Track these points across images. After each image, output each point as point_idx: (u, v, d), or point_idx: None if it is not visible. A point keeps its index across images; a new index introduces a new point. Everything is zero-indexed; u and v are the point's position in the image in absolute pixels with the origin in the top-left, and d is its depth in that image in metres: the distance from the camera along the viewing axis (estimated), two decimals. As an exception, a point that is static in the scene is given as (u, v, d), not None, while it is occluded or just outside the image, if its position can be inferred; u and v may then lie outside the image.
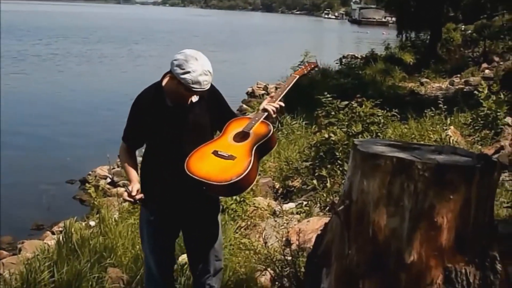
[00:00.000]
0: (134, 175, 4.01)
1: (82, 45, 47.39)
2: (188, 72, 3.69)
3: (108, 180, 11.61)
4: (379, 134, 7.72)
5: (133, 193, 3.80)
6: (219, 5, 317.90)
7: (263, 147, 3.87)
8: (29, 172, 13.06)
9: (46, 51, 40.45)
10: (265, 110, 4.01)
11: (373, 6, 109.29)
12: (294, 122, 11.89)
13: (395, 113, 8.20)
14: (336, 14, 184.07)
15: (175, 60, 3.77)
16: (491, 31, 29.73)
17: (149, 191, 3.99)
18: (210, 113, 4.06)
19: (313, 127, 10.69)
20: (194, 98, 3.98)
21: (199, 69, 3.71)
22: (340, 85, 15.73)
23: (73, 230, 6.17)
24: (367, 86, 15.71)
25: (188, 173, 3.68)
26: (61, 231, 7.33)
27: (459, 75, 21.98)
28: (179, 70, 3.71)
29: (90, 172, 12.13)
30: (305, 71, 4.48)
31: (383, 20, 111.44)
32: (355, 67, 22.41)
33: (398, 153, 3.20)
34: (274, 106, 4.02)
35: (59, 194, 11.56)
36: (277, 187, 8.32)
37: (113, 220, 6.61)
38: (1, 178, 12.09)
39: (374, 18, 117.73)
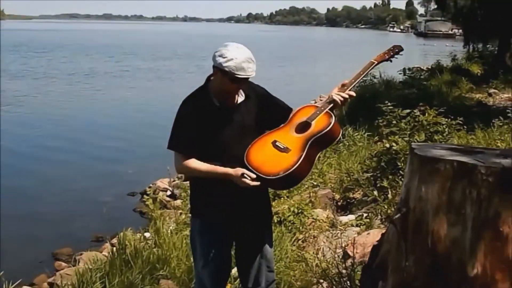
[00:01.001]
0: (223, 168, 3.76)
1: (151, 61, 48.67)
2: (231, 59, 3.59)
3: (168, 192, 11.59)
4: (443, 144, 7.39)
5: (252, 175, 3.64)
6: (284, 20, 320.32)
7: (321, 140, 3.73)
8: (90, 185, 13.20)
9: (117, 68, 41.97)
10: (332, 100, 3.82)
11: (439, 19, 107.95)
12: (356, 133, 11.65)
13: (460, 122, 7.86)
14: (402, 27, 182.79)
15: (216, 51, 3.70)
16: None
17: (202, 199, 3.91)
18: (259, 112, 3.93)
19: (375, 137, 10.44)
20: (240, 97, 3.87)
21: (242, 55, 3.62)
22: (404, 95, 15.35)
23: (127, 241, 6.10)
24: (432, 97, 15.25)
25: (245, 160, 3.66)
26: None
27: (529, 86, 21.31)
28: (221, 59, 3.62)
29: (151, 185, 12.14)
30: (387, 57, 4.09)
31: (450, 32, 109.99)
32: (420, 78, 22.01)
33: (459, 157, 2.96)
34: (342, 96, 3.84)
35: (120, 206, 11.62)
36: (337, 198, 8.09)
37: (168, 231, 6.51)
38: (63, 191, 12.29)
39: (441, 31, 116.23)
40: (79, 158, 15.52)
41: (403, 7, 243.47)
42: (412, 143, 3.36)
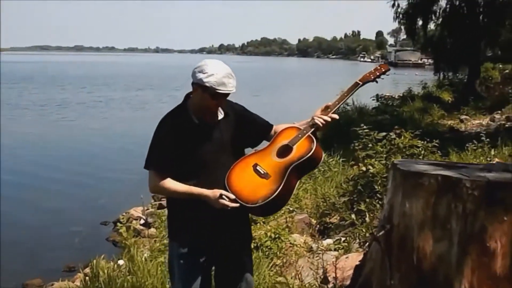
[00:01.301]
0: (199, 189, 3.66)
1: (124, 92, 48.92)
2: (212, 75, 3.54)
3: (142, 221, 11.40)
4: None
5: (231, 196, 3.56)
6: (255, 51, 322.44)
7: (302, 166, 3.65)
8: (62, 213, 12.99)
9: (90, 99, 42.03)
10: (314, 124, 3.75)
11: (408, 49, 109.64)
12: (331, 159, 11.59)
13: (435, 144, 7.85)
14: (372, 57, 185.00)
15: (196, 68, 3.64)
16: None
17: (180, 221, 3.81)
18: (238, 130, 3.84)
19: (350, 162, 10.40)
20: (220, 115, 3.78)
21: (222, 71, 3.57)
22: (377, 121, 15.39)
23: (100, 269, 5.93)
24: (405, 123, 15.27)
25: (226, 183, 3.60)
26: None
27: (499, 112, 21.68)
28: (201, 75, 3.56)
29: (124, 213, 11.95)
30: (372, 77, 4.02)
31: (419, 62, 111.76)
32: (392, 104, 22.27)
33: (443, 171, 2.91)
34: (324, 120, 3.76)
35: (92, 235, 11.45)
36: (313, 223, 8.00)
37: (142, 259, 6.35)
38: (35, 219, 12.07)
39: (410, 60, 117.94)
40: (51, 187, 15.32)
41: (373, 38, 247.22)
42: (394, 160, 3.29)
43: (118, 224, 8.18)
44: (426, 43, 32.21)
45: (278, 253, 6.55)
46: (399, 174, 2.99)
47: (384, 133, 8.05)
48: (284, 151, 3.70)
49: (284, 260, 6.47)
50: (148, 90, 50.59)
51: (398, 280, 2.94)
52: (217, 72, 3.54)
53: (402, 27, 31.56)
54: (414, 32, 29.85)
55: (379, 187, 7.17)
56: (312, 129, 3.74)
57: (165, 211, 9.67)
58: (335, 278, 5.61)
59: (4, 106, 35.27)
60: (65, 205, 13.69)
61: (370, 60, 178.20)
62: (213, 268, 3.99)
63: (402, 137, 7.77)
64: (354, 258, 5.86)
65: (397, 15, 29.21)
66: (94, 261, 6.13)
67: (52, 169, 17.58)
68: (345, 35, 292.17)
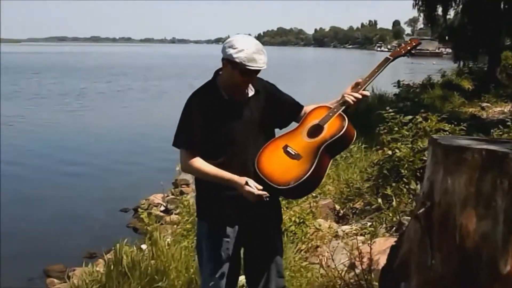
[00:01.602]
0: (229, 174, 3.56)
1: (142, 82, 48.68)
2: (242, 50, 3.42)
3: (162, 208, 11.33)
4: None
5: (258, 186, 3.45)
6: (271, 41, 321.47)
7: (334, 145, 3.54)
8: (82, 201, 12.94)
9: (108, 89, 42.03)
10: (344, 101, 3.63)
11: (426, 38, 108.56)
12: (353, 145, 11.44)
13: (463, 128, 7.68)
14: (389, 46, 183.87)
15: (226, 43, 3.53)
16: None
17: (210, 201, 3.72)
18: (268, 109, 3.72)
19: (373, 148, 10.26)
20: (250, 92, 3.66)
21: (253, 46, 3.45)
22: (399, 108, 15.19)
23: (123, 253, 5.85)
24: (426, 110, 15.11)
25: (256, 166, 3.49)
26: (112, 257, 7.02)
27: (522, 99, 21.43)
28: (232, 50, 3.44)
29: (144, 200, 11.88)
30: (403, 52, 3.89)
31: (437, 51, 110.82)
32: (412, 91, 22.08)
33: (487, 146, 2.77)
34: (355, 97, 3.65)
35: (112, 223, 11.37)
36: (337, 209, 7.87)
37: (165, 243, 6.26)
38: (55, 207, 12.04)
39: (428, 50, 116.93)
40: (71, 176, 15.24)
41: (390, 27, 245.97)
42: (433, 136, 3.15)
43: (139, 210, 8.07)
44: (446, 30, 31.84)
45: (303, 238, 6.44)
46: (440, 149, 2.85)
47: (410, 117, 7.88)
48: (315, 130, 3.58)
49: (309, 245, 6.37)
50: (166, 80, 50.34)
51: (440, 260, 2.81)
52: (248, 48, 3.43)
53: (421, 15, 31.25)
54: (433, 20, 29.51)
55: (405, 171, 7.02)
56: (343, 107, 3.63)
57: (188, 196, 9.67)
58: (362, 262, 5.50)
59: (24, 95, 35.40)
60: (85, 193, 13.61)
61: (387, 49, 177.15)
62: (243, 249, 3.89)
63: (429, 121, 7.60)
64: (381, 243, 5.75)
65: (416, 2, 28.87)
66: (118, 245, 6.03)
67: (73, 157, 17.52)
68: (362, 25, 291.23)
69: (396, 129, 7.75)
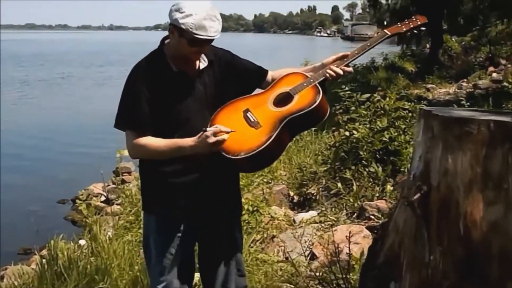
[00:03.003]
0: (184, 139, 3.02)
1: (84, 69, 47.43)
2: (190, 15, 2.87)
3: (103, 198, 10.67)
4: (407, 131, 6.81)
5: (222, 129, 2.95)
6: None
7: (300, 120, 3.03)
8: (16, 192, 12.16)
9: (51, 76, 40.60)
10: (323, 73, 3.12)
11: (365, 22, 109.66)
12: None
13: (424, 105, 7.29)
14: (329, 32, 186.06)
15: (174, 5, 2.95)
16: (488, 39, 29.47)
17: (157, 190, 3.17)
18: (225, 81, 3.19)
19: (324, 130, 9.86)
20: (202, 63, 3.11)
21: (203, 11, 2.89)
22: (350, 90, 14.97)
23: (59, 250, 5.23)
24: (375, 91, 14.91)
25: (209, 125, 2.97)
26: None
27: (465, 80, 21.54)
28: (178, 15, 2.89)
29: (84, 191, 11.19)
30: (404, 29, 3.37)
31: (376, 35, 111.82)
32: (359, 72, 21.99)
33: (494, 117, 2.30)
34: (335, 72, 3.15)
35: (49, 215, 10.69)
36: (292, 195, 7.39)
37: (106, 238, 5.65)
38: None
39: (367, 34, 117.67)
40: (5, 168, 14.34)
41: (329, 13, 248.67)
42: (422, 106, 2.66)
43: (77, 201, 7.47)
44: (388, 13, 31.82)
45: (257, 227, 5.92)
46: (438, 122, 2.37)
47: (367, 95, 7.44)
48: (283, 99, 3.10)
49: (265, 235, 5.86)
50: (108, 67, 49.24)
51: (440, 255, 2.33)
52: (197, 12, 2.87)
53: (359, 1, 31.20)
54: (376, 2, 29.44)
55: (365, 153, 6.59)
56: (321, 78, 3.13)
57: (130, 185, 9.04)
58: (324, 253, 5.06)
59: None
60: (19, 184, 12.85)
61: (326, 34, 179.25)
62: (197, 245, 3.36)
63: (387, 99, 7.18)
64: (344, 230, 5.28)
65: (359, -17, 28.75)
66: (52, 241, 5.40)
67: (7, 146, 16.62)
68: (301, 10, 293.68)
69: (353, 108, 7.29)
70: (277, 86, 3.19)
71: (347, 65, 3.23)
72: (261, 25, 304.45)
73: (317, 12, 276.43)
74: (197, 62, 3.14)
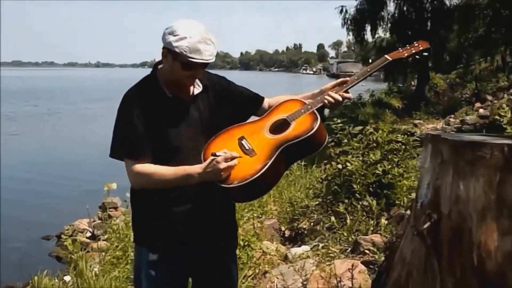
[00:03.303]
0: (190, 167, 2.87)
1: (72, 105, 47.49)
2: (184, 38, 2.76)
3: (88, 233, 10.44)
4: (400, 164, 6.70)
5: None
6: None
7: (298, 147, 2.89)
8: (1, 228, 11.87)
9: (38, 112, 40.61)
10: (322, 99, 3.02)
11: (350, 60, 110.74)
12: (292, 162, 10.92)
13: (417, 138, 7.18)
14: (314, 69, 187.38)
15: (167, 28, 2.83)
16: (474, 76, 29.87)
17: (150, 222, 3.00)
18: (220, 107, 3.06)
19: (315, 164, 9.74)
20: (197, 89, 2.99)
21: (198, 34, 2.78)
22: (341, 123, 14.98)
23: (43, 287, 5.03)
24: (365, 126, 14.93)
25: (202, 155, 2.90)
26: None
27: (453, 115, 21.69)
28: (171, 38, 2.78)
29: (69, 226, 10.96)
30: (405, 54, 3.24)
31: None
32: (348, 108, 22.10)
33: (508, 140, 2.19)
34: (334, 98, 3.03)
35: (33, 251, 10.44)
36: (283, 229, 7.23)
37: (93, 274, 5.46)
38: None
39: (352, 72, 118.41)
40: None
41: (315, 50, 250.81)
42: (429, 132, 2.54)
43: (63, 236, 7.25)
44: (374, 50, 32.11)
45: (248, 263, 5.74)
46: (448, 146, 2.25)
47: (360, 127, 7.34)
48: (280, 126, 2.97)
49: (257, 271, 5.68)
50: (97, 103, 49.13)
51: (452, 287, 2.19)
52: (191, 35, 2.76)
53: (348, 37, 31.51)
54: (362, 39, 29.68)
55: (358, 186, 6.45)
56: (319, 105, 3.01)
57: (117, 220, 8.85)
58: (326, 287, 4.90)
59: None
60: (2, 219, 12.54)
61: (312, 72, 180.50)
62: (191, 279, 3.19)
63: (380, 131, 7.07)
64: (338, 265, 5.12)
65: (345, 21, 29.12)
66: (35, 277, 5.20)
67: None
68: (287, 48, 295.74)
69: (346, 141, 7.16)
70: (274, 113, 3.08)
71: (346, 92, 3.11)
72: (247, 62, 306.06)
73: (303, 50, 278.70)
74: (191, 88, 3.02)
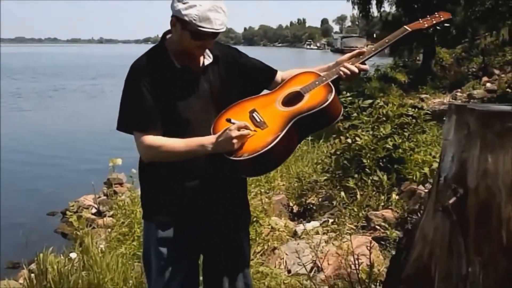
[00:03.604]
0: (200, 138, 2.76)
1: (77, 81, 47.10)
2: (194, 6, 2.62)
3: (93, 210, 10.36)
4: (411, 138, 6.57)
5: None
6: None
7: (311, 120, 2.76)
8: (6, 204, 11.78)
9: (44, 88, 40.24)
10: (337, 71, 2.88)
11: (354, 35, 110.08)
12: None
13: (428, 112, 7.03)
14: (318, 44, 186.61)
15: None
16: (481, 49, 29.60)
17: (159, 196, 2.91)
18: (231, 79, 2.95)
19: (321, 139, 9.62)
20: (207, 59, 2.85)
21: (207, 2, 2.64)
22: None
23: (48, 264, 4.93)
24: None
25: (212, 129, 2.79)
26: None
27: (459, 90, 21.48)
28: (181, 5, 2.65)
29: (74, 202, 10.88)
30: (426, 25, 3.10)
31: (366, 48, 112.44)
32: (352, 83, 21.88)
33: (539, 111, 2.05)
34: (350, 70, 2.89)
35: (38, 228, 10.29)
36: (292, 205, 7.12)
37: (99, 251, 5.36)
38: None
39: (357, 47, 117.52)
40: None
41: (319, 26, 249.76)
42: (451, 102, 2.40)
43: (68, 213, 7.17)
44: (380, 24, 31.88)
45: (257, 239, 5.65)
46: (475, 117, 2.11)
47: (370, 101, 7.20)
48: (293, 98, 2.85)
49: (265, 247, 5.58)
50: (101, 79, 48.91)
51: (479, 267, 2.07)
52: (201, 3, 2.63)
53: (353, 11, 31.38)
54: (367, 13, 29.41)
55: (368, 161, 6.33)
56: (334, 77, 2.88)
57: (123, 196, 8.75)
58: (328, 266, 4.80)
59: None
60: (7, 196, 12.44)
61: (316, 47, 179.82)
62: (202, 256, 3.09)
63: (390, 105, 6.93)
64: (354, 241, 5.02)
65: (350, -5, 28.75)
66: (41, 255, 5.10)
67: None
68: (291, 23, 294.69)
69: (355, 114, 7.02)
70: (287, 86, 2.95)
71: (363, 63, 2.98)
72: (251, 38, 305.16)
73: (307, 25, 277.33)
74: (201, 58, 2.89)
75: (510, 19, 25.53)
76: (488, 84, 21.16)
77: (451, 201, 2.12)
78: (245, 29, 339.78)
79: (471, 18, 27.17)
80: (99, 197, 10.84)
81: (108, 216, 8.87)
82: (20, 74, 54.69)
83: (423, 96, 21.60)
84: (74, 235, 6.57)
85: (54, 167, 15.64)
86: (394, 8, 29.38)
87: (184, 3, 2.64)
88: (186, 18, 2.64)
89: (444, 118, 2.33)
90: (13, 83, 44.42)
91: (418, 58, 33.34)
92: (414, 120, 6.75)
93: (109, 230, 7.03)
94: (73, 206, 8.88)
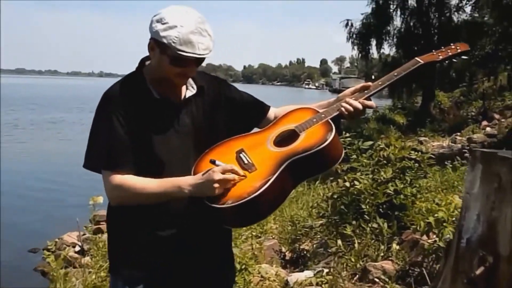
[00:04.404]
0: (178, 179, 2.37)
1: (77, 113, 47.23)
2: (174, 27, 2.24)
3: (77, 248, 9.89)
4: (414, 183, 6.18)
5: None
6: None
7: (307, 163, 2.36)
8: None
9: (42, 120, 40.51)
10: (338, 107, 2.51)
11: (353, 76, 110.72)
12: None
13: (431, 155, 6.66)
14: (317, 84, 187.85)
15: (155, 15, 2.32)
16: (482, 93, 29.63)
17: (129, 247, 2.49)
18: (217, 113, 2.57)
19: (317, 181, 9.25)
20: (190, 90, 2.47)
21: (191, 23, 2.26)
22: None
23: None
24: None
25: (193, 170, 2.40)
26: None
27: (459, 133, 21.31)
28: (159, 26, 2.27)
29: (57, 240, 10.44)
30: (440, 57, 2.70)
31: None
32: (351, 123, 21.78)
33: None
34: (353, 106, 2.51)
35: (18, 266, 9.91)
36: (284, 251, 6.69)
37: (73, 297, 4.93)
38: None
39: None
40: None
41: (318, 66, 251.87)
42: (476, 149, 2.00)
43: (45, 252, 6.75)
44: (380, 65, 31.91)
45: (245, 288, 5.21)
46: (508, 168, 1.71)
47: (370, 142, 6.82)
48: (287, 138, 2.47)
49: (254, 299, 5.15)
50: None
51: None
52: (182, 24, 2.26)
53: (353, 51, 31.59)
54: (367, 54, 29.36)
55: (367, 207, 5.92)
56: (334, 114, 2.50)
57: (104, 235, 8.31)
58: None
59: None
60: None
61: (314, 87, 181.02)
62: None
63: (392, 147, 6.55)
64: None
65: (350, 35, 28.87)
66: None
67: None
68: (290, 63, 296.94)
69: (354, 156, 6.62)
70: (280, 123, 2.58)
71: (368, 99, 2.58)
72: (250, 76, 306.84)
73: (306, 64, 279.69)
74: (184, 89, 2.51)
75: (510, 64, 25.52)
76: (488, 129, 20.99)
77: (478, 272, 1.71)
78: (244, 67, 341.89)
79: (471, 62, 27.11)
80: (84, 234, 10.38)
81: (88, 256, 8.44)
82: (19, 105, 54.70)
83: (421, 139, 21.44)
84: (52, 276, 6.18)
85: (42, 201, 15.29)
86: (394, 49, 29.34)
87: (163, 23, 2.28)
88: (165, 41, 2.27)
89: (466, 168, 1.94)
90: (11, 113, 44.27)
91: (416, 100, 33.35)
92: (416, 164, 6.37)
93: (89, 272, 6.58)
94: (50, 245, 8.46)
